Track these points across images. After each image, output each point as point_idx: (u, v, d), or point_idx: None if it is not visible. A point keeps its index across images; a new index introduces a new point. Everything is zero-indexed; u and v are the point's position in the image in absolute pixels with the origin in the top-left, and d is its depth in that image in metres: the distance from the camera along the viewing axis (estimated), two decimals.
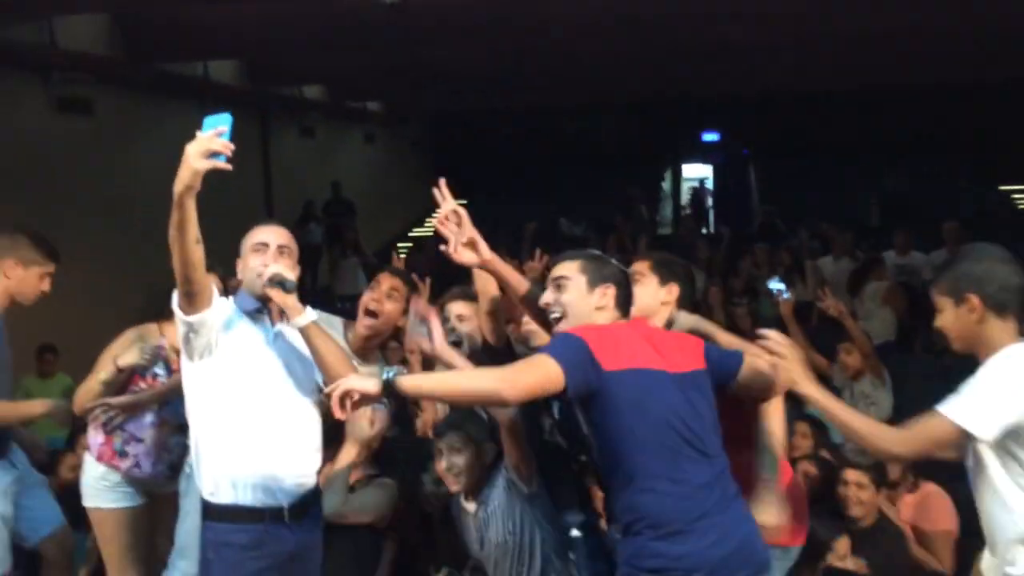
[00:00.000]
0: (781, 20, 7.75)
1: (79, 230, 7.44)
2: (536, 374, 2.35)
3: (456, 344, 3.05)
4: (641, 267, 2.97)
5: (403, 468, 3.55)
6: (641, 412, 2.40)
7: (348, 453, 3.24)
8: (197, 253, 2.51)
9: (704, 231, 16.23)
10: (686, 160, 18.92)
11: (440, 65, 10.09)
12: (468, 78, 11.17)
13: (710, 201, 18.40)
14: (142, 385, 3.49)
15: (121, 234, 8.28)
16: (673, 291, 2.95)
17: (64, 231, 5.25)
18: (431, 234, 15.09)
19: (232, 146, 2.36)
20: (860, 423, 2.41)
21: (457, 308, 3.25)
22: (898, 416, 3.87)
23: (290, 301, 2.69)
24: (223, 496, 2.73)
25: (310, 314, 2.71)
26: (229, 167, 2.35)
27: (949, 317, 2.41)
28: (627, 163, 15.92)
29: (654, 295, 2.93)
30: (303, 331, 2.72)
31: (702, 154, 18.37)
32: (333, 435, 3.16)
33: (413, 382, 2.39)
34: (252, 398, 2.74)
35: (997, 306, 2.34)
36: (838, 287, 7.52)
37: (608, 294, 2.60)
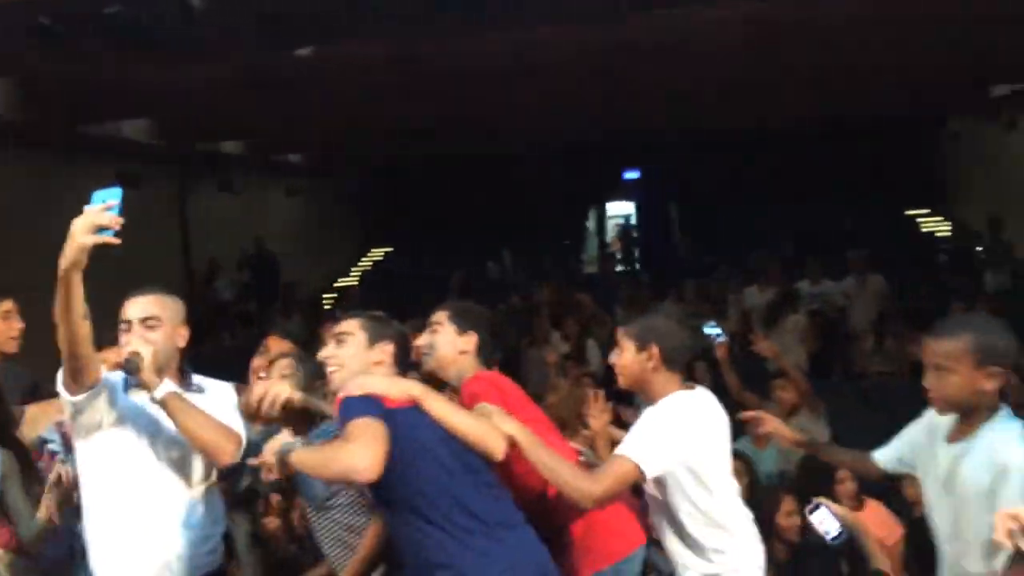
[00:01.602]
0: (700, 62, 7.97)
1: None
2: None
3: None
4: (439, 316, 3.10)
5: None
6: (416, 447, 2.52)
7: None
8: (84, 329, 2.44)
9: (630, 268, 16.48)
10: (610, 199, 19.23)
11: (360, 117, 10.11)
12: (390, 129, 11.21)
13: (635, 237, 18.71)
14: (39, 464, 3.33)
15: (32, 299, 8.02)
16: (471, 340, 3.06)
17: None
18: (356, 283, 15.04)
19: (121, 220, 2.30)
20: (561, 467, 2.65)
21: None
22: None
23: (145, 377, 2.62)
24: None
25: (165, 387, 2.63)
26: (117, 241, 2.30)
27: (629, 357, 2.81)
28: (554, 205, 16.11)
29: (452, 344, 3.05)
30: (161, 404, 2.62)
31: (625, 192, 18.70)
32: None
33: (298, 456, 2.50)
34: (144, 475, 2.65)
35: (669, 360, 2.77)
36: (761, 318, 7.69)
37: (387, 351, 2.72)
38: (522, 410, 2.90)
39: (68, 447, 3.29)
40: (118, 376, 2.70)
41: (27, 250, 8.30)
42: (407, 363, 2.83)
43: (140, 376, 2.60)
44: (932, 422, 2.50)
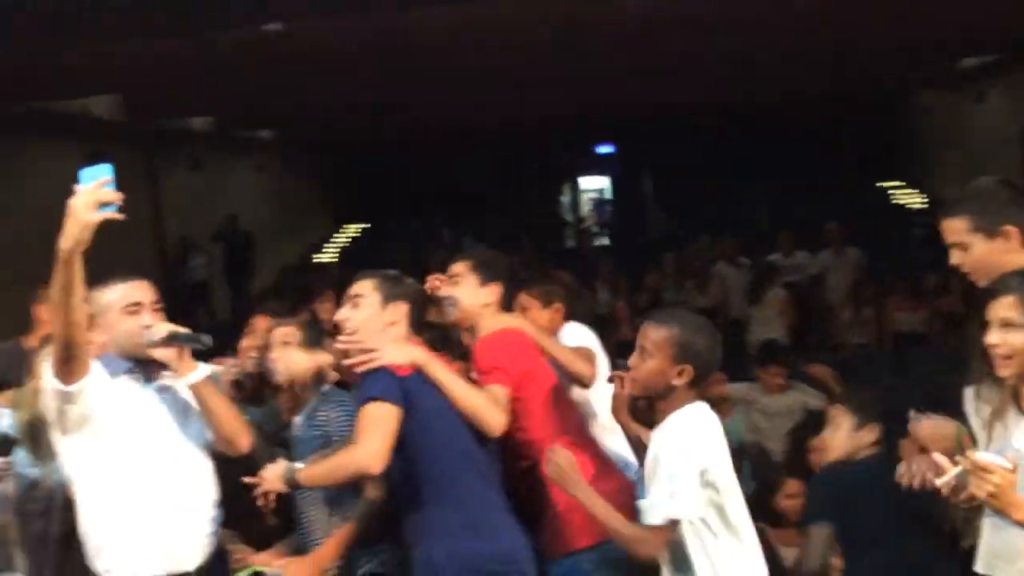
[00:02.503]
0: (674, 37, 7.93)
1: None
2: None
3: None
4: (460, 267, 2.98)
5: None
6: (431, 413, 2.60)
7: None
8: (82, 314, 2.34)
9: (607, 243, 16.45)
10: (583, 173, 19.18)
11: (330, 92, 9.97)
12: (359, 103, 11.08)
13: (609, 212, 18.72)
14: None
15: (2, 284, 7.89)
16: (495, 291, 2.96)
17: None
18: (335, 260, 14.92)
19: (121, 195, 2.23)
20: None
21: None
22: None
23: (185, 358, 2.55)
24: (122, 571, 2.55)
25: (203, 370, 2.59)
26: (122, 216, 2.23)
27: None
28: (527, 178, 16.06)
29: (474, 296, 2.94)
30: (194, 388, 2.58)
31: (599, 167, 18.66)
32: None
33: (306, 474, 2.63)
34: (142, 463, 2.57)
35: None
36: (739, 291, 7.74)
37: (401, 310, 2.69)
38: (530, 361, 2.89)
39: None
40: (100, 362, 2.60)
41: None
42: (422, 322, 2.79)
43: (184, 355, 2.55)
44: None
